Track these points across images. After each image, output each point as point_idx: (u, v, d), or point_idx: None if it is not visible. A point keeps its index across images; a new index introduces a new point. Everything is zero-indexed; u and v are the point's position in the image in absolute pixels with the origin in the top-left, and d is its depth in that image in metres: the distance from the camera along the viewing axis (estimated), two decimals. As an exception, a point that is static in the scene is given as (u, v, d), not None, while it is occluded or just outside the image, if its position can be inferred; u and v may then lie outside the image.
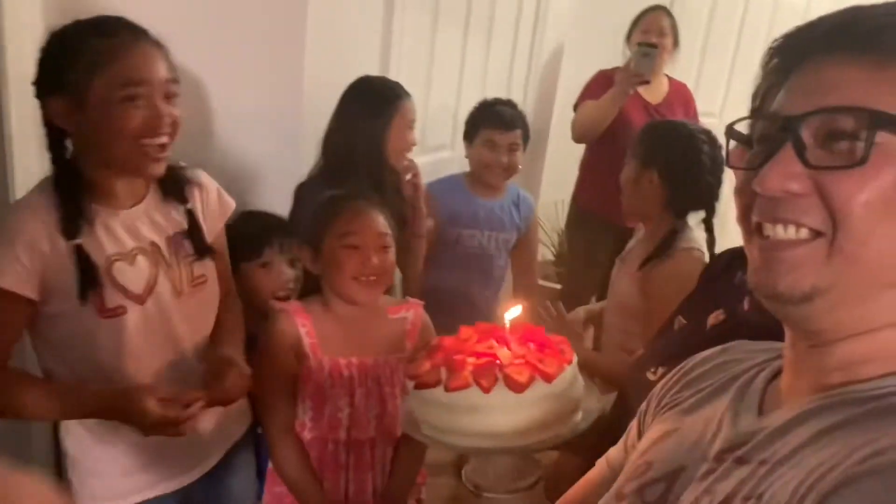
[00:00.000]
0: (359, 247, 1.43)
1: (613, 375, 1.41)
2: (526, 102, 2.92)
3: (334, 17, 2.00)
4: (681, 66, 3.06)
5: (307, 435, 1.47)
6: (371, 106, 1.92)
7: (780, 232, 0.60)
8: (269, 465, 1.56)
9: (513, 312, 1.09)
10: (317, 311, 1.49)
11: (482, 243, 2.34)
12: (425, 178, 2.09)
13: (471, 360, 1.03)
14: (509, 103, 2.26)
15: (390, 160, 1.96)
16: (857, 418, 0.57)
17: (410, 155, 2.01)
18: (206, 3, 1.85)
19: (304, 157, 1.98)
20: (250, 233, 1.67)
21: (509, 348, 1.05)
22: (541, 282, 3.10)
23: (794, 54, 0.61)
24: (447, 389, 1.00)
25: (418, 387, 1.04)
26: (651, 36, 2.74)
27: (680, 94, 2.93)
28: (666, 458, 0.72)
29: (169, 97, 1.19)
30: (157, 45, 1.20)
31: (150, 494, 1.36)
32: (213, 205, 1.41)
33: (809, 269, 0.58)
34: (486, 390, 0.98)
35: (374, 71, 2.10)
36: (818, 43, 0.59)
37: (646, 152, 1.70)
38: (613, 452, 0.89)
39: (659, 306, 1.61)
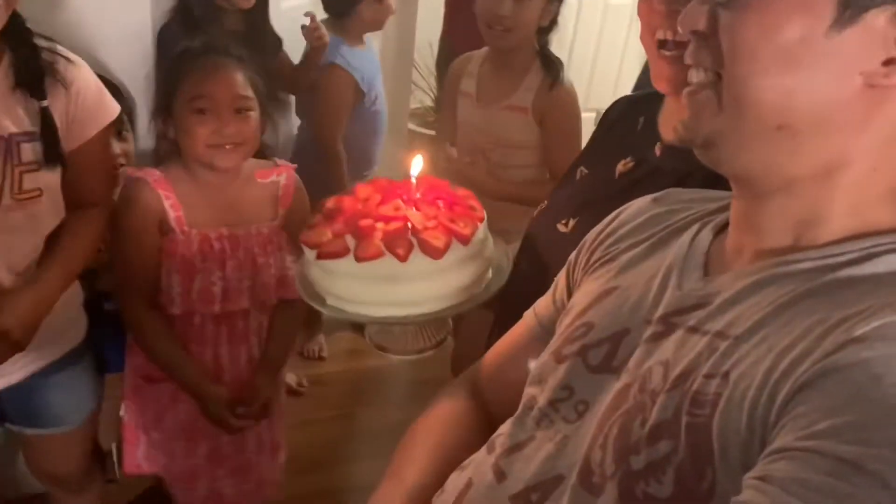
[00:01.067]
0: (210, 111, 1.28)
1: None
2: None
3: None
4: None
5: (175, 310, 1.35)
6: None
7: (692, 73, 0.60)
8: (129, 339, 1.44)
9: (416, 165, 0.99)
10: (179, 179, 1.34)
11: (381, 96, 2.34)
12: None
13: (379, 225, 0.93)
14: None
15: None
16: (819, 291, 0.55)
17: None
18: None
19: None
20: None
21: (418, 209, 0.97)
22: (414, 127, 3.00)
23: None
24: (358, 259, 0.91)
25: (322, 257, 0.94)
26: None
27: None
28: (607, 320, 0.69)
29: None
30: None
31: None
32: (88, 107, 1.20)
33: (704, 116, 0.59)
34: (403, 258, 0.90)
35: None
36: None
37: None
38: (542, 307, 0.85)
39: (567, 139, 1.73)
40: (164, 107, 1.35)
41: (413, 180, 0.98)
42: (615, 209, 0.82)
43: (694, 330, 0.60)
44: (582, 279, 0.79)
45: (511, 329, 0.89)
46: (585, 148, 1.18)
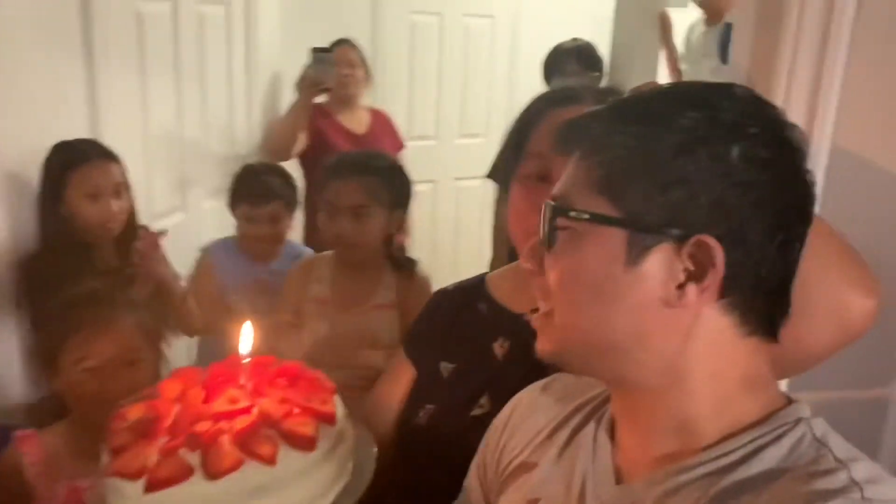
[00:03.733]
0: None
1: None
2: (251, 138, 2.84)
3: (25, 78, 1.71)
4: (392, 96, 3.32)
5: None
6: (48, 175, 1.74)
7: (539, 303, 0.68)
8: None
9: (246, 338, 0.82)
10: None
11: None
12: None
13: (223, 425, 0.73)
14: (274, 170, 2.17)
15: (89, 236, 1.76)
16: (724, 495, 0.60)
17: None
18: None
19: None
20: None
21: (261, 394, 0.79)
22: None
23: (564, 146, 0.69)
24: (211, 477, 0.69)
25: (155, 487, 0.70)
26: (342, 67, 2.74)
27: (383, 124, 2.97)
28: None
29: None
30: None
31: None
32: None
33: (545, 337, 0.67)
34: (271, 461, 0.71)
35: (83, 133, 1.87)
36: (556, 145, 0.70)
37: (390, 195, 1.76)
38: None
39: None
40: (48, 361, 1.30)
41: (245, 359, 0.81)
42: (522, 387, 0.86)
43: None
44: (502, 486, 0.81)
45: None
46: (428, 344, 1.13)
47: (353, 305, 1.78)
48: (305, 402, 0.78)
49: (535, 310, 1.01)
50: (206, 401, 0.78)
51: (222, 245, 2.19)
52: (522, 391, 0.85)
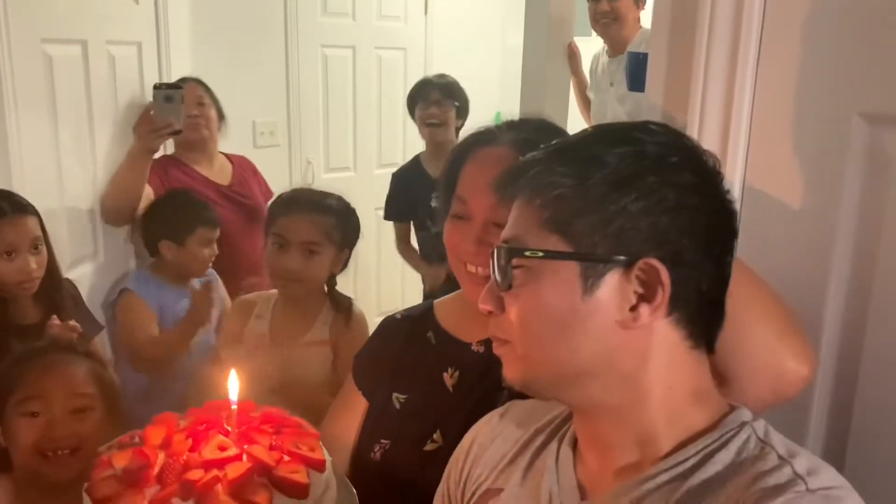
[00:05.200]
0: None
1: None
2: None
3: None
4: (307, 129, 3.35)
5: None
6: None
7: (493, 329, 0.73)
8: None
9: (233, 384, 0.82)
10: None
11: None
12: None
13: (216, 473, 0.73)
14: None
15: (6, 294, 1.67)
16: (683, 501, 0.66)
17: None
18: None
19: None
20: None
21: (251, 441, 0.79)
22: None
23: (507, 192, 0.74)
24: (208, 530, 0.69)
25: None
26: (190, 108, 2.34)
27: (247, 169, 2.63)
28: None
29: None
30: None
31: None
32: None
33: (512, 368, 0.71)
34: (267, 509, 0.72)
35: None
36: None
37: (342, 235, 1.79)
38: None
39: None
40: None
41: (233, 405, 0.81)
42: (473, 419, 0.90)
43: None
44: None
45: None
46: (378, 375, 1.15)
47: (288, 341, 1.79)
48: (294, 449, 0.79)
49: (482, 341, 1.04)
50: (192, 448, 0.78)
51: (140, 278, 2.25)
52: (480, 420, 0.89)
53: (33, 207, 1.71)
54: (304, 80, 3.47)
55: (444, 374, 1.08)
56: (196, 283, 2.22)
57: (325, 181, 3.56)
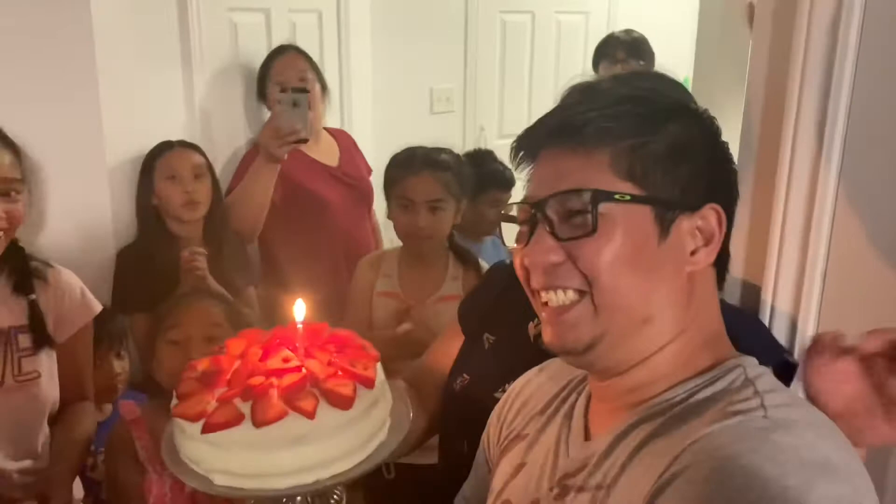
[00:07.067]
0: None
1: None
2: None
3: (129, 87, 1.90)
4: (483, 95, 3.29)
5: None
6: (142, 169, 1.94)
7: (553, 297, 0.73)
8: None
9: (300, 309, 0.91)
10: (158, 414, 1.33)
11: None
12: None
13: (273, 381, 0.83)
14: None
15: (169, 216, 1.93)
16: (660, 429, 0.70)
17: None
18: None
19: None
20: None
21: (310, 356, 0.87)
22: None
23: (530, 148, 0.76)
24: (257, 424, 0.79)
25: (211, 429, 0.80)
26: (292, 84, 2.12)
27: (351, 145, 2.46)
28: (521, 494, 0.82)
29: (7, 194, 1.31)
30: (4, 145, 1.33)
31: None
32: (72, 307, 1.46)
33: (584, 325, 0.71)
34: (311, 415, 0.79)
35: (180, 136, 2.03)
36: (545, 139, 0.74)
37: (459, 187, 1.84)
38: (468, 489, 0.97)
39: None
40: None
41: (299, 326, 0.90)
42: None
43: (581, 489, 0.73)
44: (499, 458, 0.90)
45: None
46: (478, 314, 1.20)
47: (423, 297, 1.86)
48: (349, 366, 0.86)
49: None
50: (262, 359, 0.87)
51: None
52: (523, 375, 0.94)
53: (198, 147, 1.99)
54: (482, 47, 3.53)
55: (530, 324, 1.10)
56: None
57: (496, 146, 3.62)
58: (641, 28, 2.95)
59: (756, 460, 0.59)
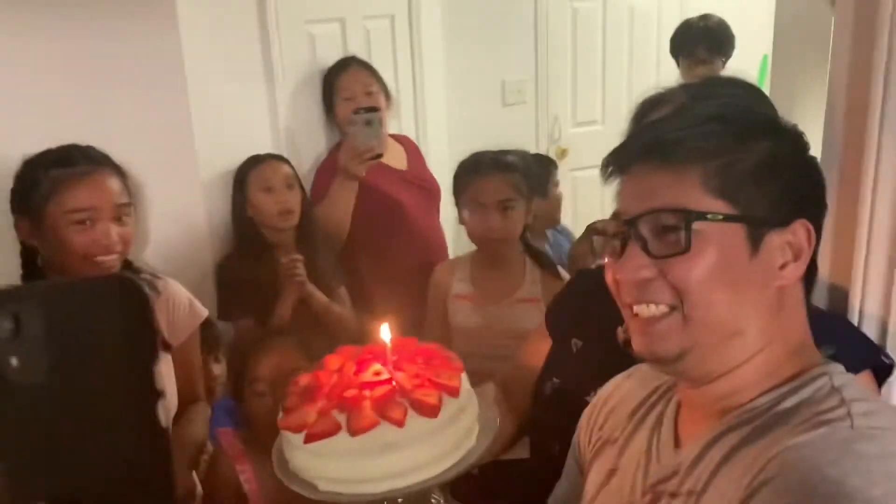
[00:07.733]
0: None
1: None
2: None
3: (217, 104, 2.01)
4: (556, 83, 3.26)
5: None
6: (235, 181, 2.07)
7: (644, 310, 0.75)
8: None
9: (386, 331, 0.97)
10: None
11: None
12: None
13: (366, 392, 0.89)
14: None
15: (265, 225, 2.05)
16: (748, 437, 0.72)
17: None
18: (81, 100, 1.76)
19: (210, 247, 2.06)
20: None
21: (399, 369, 0.93)
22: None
23: (621, 165, 0.78)
24: (352, 433, 0.85)
25: (312, 439, 0.87)
26: (360, 99, 2.22)
27: (414, 148, 2.51)
28: (615, 499, 0.84)
29: (119, 218, 1.38)
30: (114, 171, 1.40)
31: None
32: (182, 314, 1.54)
33: (674, 336, 0.73)
34: (400, 423, 0.85)
35: (266, 148, 2.16)
36: (636, 156, 0.76)
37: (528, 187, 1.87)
38: (558, 493, 1.00)
39: None
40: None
41: (387, 342, 0.95)
42: None
43: (673, 495, 0.76)
44: (591, 462, 0.93)
45: None
46: (566, 320, 1.24)
47: (500, 298, 1.89)
48: (435, 377, 0.92)
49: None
50: (356, 373, 0.94)
51: None
52: (611, 380, 0.96)
53: (287, 158, 2.10)
54: (553, 36, 3.51)
55: (619, 329, 1.12)
56: None
57: (571, 135, 3.61)
58: (715, 7, 2.86)
59: (841, 471, 0.60)
